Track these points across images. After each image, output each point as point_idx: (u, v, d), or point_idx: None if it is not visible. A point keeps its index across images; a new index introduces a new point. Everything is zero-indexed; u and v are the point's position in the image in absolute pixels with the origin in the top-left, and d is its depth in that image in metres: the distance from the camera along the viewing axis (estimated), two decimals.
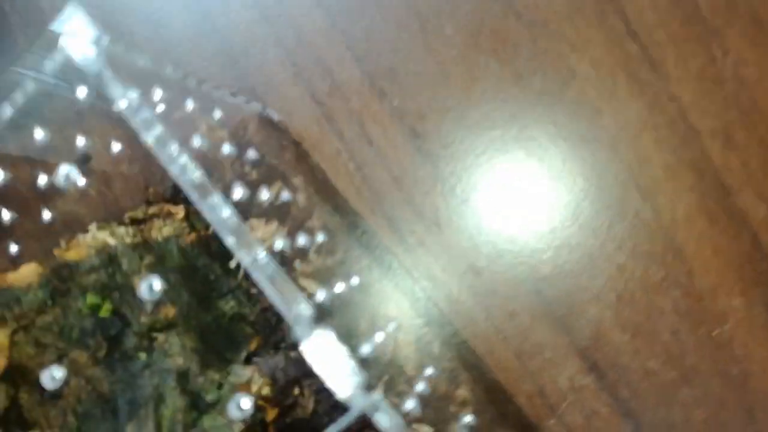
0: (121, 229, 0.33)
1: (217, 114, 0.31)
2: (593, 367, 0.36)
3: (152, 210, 0.33)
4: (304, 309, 0.20)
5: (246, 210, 0.32)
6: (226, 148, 0.27)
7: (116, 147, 0.30)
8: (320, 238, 0.30)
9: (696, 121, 0.35)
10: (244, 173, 0.32)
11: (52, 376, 0.23)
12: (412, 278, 0.37)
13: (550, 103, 0.37)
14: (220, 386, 0.30)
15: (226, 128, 0.33)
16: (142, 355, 0.29)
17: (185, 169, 0.21)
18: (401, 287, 0.36)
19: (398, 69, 0.38)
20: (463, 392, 0.32)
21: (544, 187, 0.37)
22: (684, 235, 0.35)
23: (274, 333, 0.33)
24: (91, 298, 0.28)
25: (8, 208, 0.28)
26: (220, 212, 0.21)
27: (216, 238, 0.34)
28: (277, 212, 0.33)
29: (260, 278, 0.21)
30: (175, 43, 0.39)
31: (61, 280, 0.28)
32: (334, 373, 0.19)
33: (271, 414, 0.32)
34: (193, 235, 0.33)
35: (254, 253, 0.21)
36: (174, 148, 0.21)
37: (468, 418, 0.30)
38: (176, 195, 0.34)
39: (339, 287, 0.28)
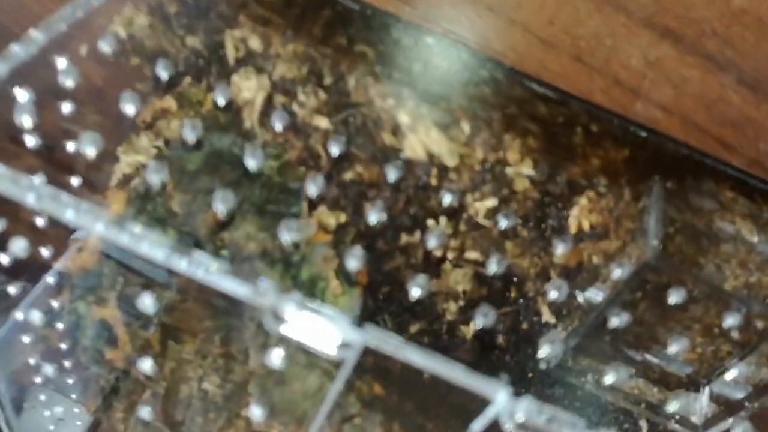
0: (142, 139, 0.34)
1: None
2: (666, 33, 0.30)
3: (147, 116, 0.33)
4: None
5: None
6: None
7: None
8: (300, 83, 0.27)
9: None
10: (180, 53, 0.29)
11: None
12: (429, 32, 0.32)
13: None
14: (297, 246, 0.32)
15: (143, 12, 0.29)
16: (224, 252, 0.32)
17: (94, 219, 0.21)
18: (420, 48, 0.32)
19: None
20: (513, 152, 0.30)
21: None
22: None
23: (318, 161, 0.33)
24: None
25: None
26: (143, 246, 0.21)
27: (218, 109, 0.33)
28: (246, 63, 0.30)
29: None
30: None
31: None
32: None
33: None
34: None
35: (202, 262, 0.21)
36: (64, 197, 0.21)
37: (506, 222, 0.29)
38: (157, 86, 0.33)
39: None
